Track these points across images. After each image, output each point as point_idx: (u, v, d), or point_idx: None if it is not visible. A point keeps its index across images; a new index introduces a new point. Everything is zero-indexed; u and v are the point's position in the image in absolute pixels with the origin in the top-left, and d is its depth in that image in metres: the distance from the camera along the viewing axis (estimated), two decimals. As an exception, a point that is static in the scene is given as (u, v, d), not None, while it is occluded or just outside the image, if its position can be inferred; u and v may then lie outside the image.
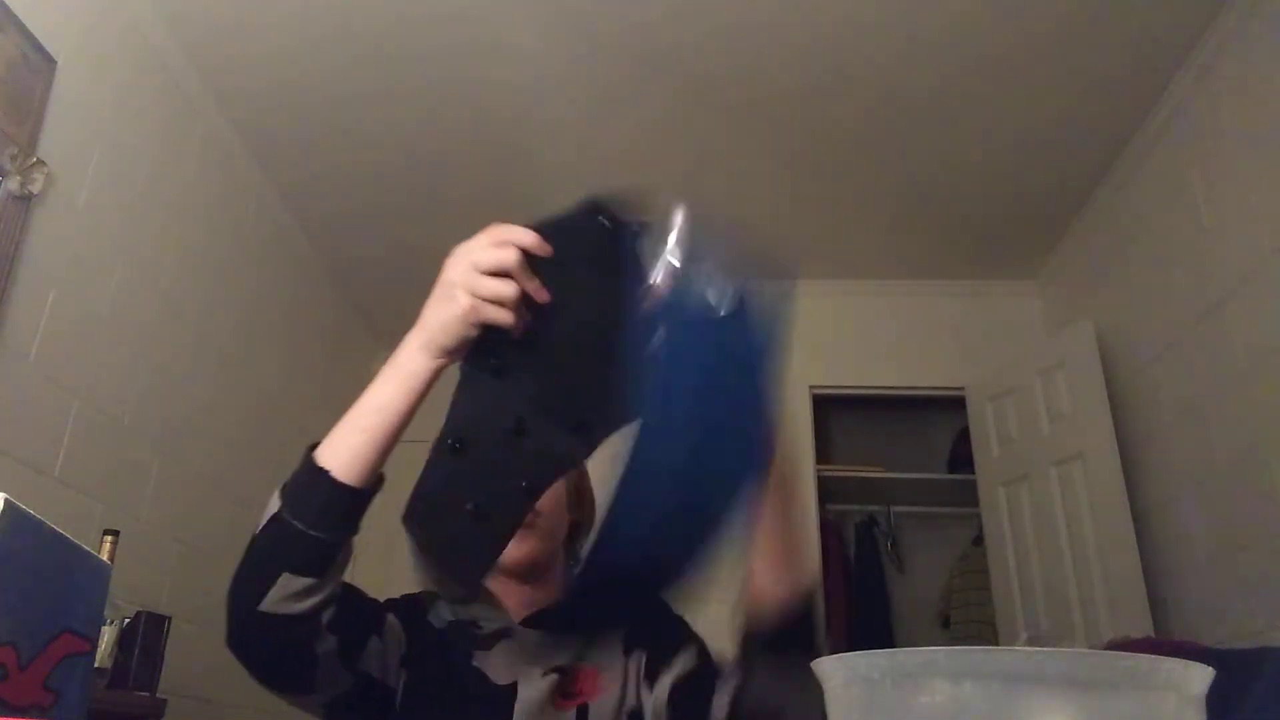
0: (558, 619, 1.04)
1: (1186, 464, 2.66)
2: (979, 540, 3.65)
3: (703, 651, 0.99)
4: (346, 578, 0.86)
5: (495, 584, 1.07)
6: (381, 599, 1.02)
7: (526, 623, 1.03)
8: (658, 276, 0.69)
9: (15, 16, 2.00)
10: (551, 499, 1.06)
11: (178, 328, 2.74)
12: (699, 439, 0.68)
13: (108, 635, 2.05)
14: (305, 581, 0.78)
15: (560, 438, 0.75)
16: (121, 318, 2.45)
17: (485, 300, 0.76)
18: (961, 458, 3.78)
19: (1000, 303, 3.81)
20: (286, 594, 0.78)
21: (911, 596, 4.07)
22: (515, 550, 1.02)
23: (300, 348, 3.70)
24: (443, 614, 1.05)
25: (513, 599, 1.05)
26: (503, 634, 1.02)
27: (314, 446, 0.82)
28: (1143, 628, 2.60)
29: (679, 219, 0.69)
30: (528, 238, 0.76)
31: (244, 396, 3.18)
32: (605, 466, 0.71)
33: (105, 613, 2.01)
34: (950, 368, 3.66)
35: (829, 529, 3.82)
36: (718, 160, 3.12)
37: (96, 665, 1.53)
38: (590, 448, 0.76)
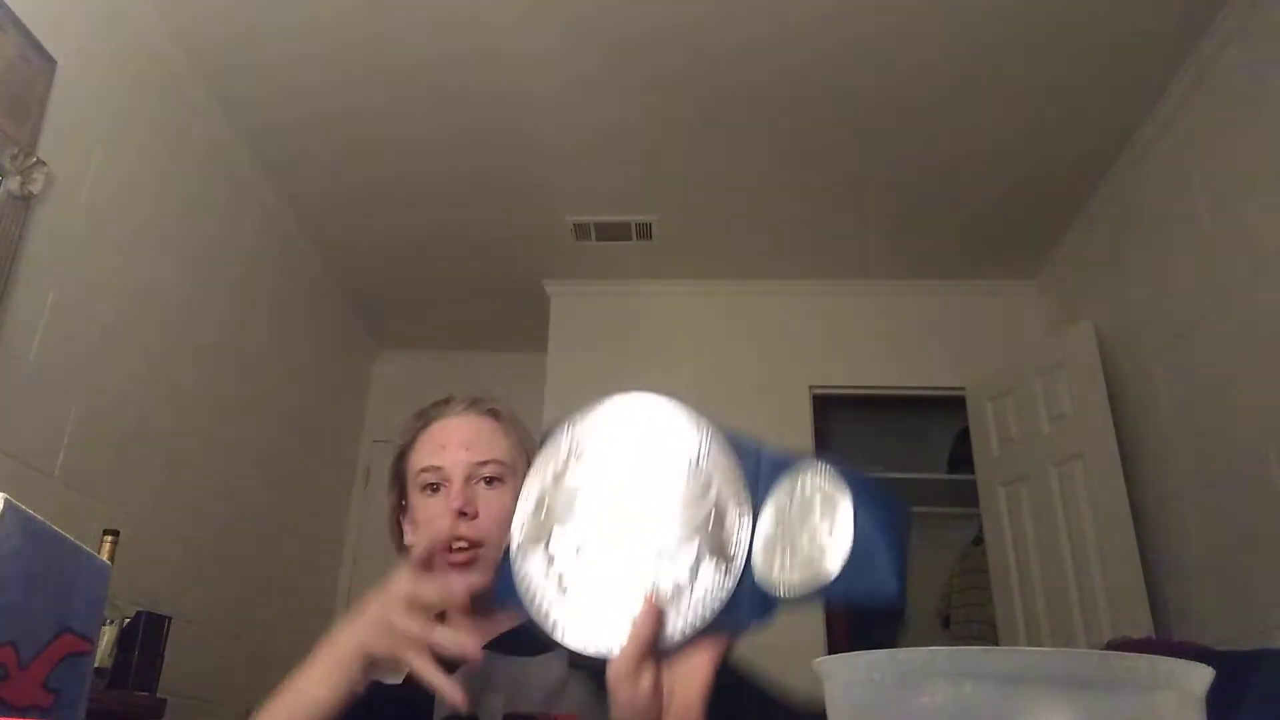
0: (519, 638, 0.98)
1: (1186, 464, 2.66)
2: (979, 540, 3.65)
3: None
4: None
5: (451, 622, 1.02)
6: None
7: (489, 646, 0.97)
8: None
9: (15, 16, 2.00)
10: (496, 526, 0.99)
11: (178, 328, 2.74)
12: None
13: (108, 635, 2.05)
14: None
15: None
16: (122, 318, 2.45)
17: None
18: (961, 458, 3.78)
19: (1000, 303, 3.81)
20: None
21: (911, 596, 4.07)
22: (464, 586, 0.97)
23: (302, 349, 3.70)
24: None
25: (472, 633, 0.99)
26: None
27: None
28: (1143, 628, 2.60)
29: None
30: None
31: (244, 397, 3.18)
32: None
33: (105, 613, 2.01)
34: (950, 368, 3.66)
35: (829, 529, 3.81)
36: (718, 161, 3.12)
37: (96, 665, 1.53)
38: None
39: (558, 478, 0.77)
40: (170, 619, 2.22)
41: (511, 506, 1.00)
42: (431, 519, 1.02)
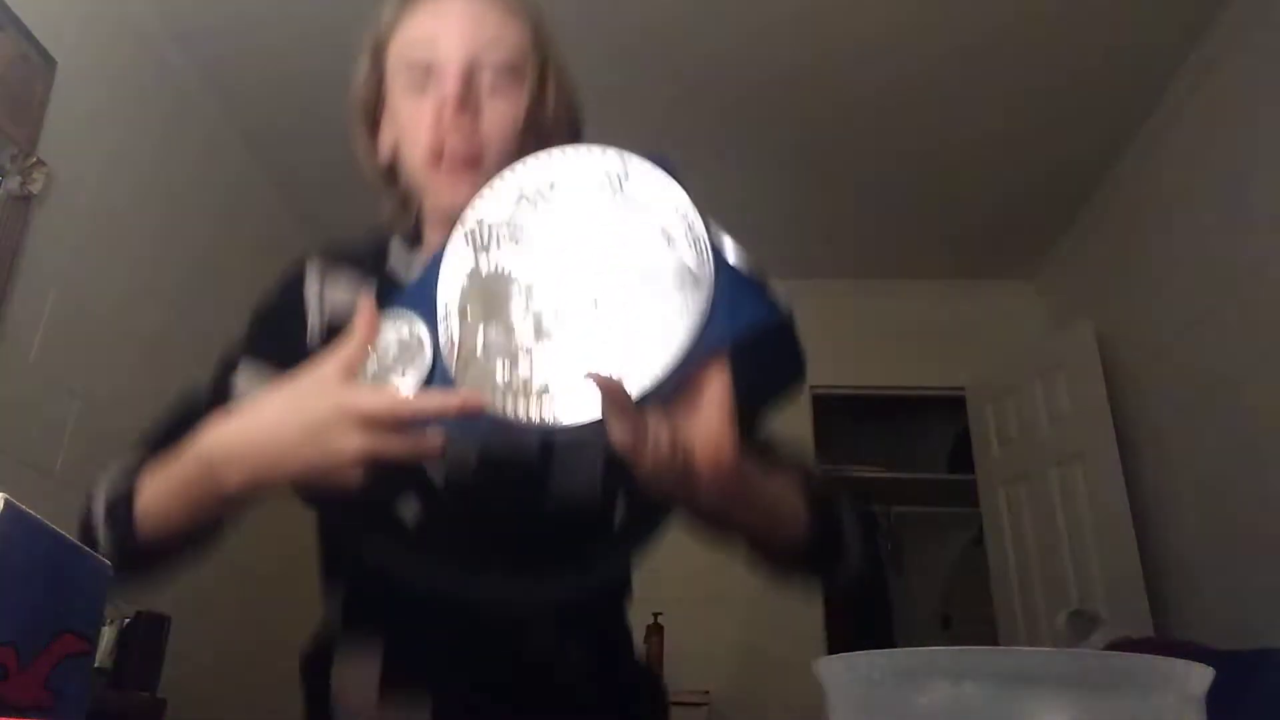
0: None
1: (1186, 464, 2.66)
2: (979, 540, 3.65)
3: None
4: None
5: (438, 179, 0.84)
6: None
7: None
8: None
9: (15, 16, 2.00)
10: (499, 138, 0.83)
11: (178, 327, 2.74)
12: None
13: (108, 635, 2.05)
14: None
15: None
16: (122, 317, 2.45)
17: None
18: (961, 458, 3.78)
19: (1000, 303, 3.81)
20: None
21: (911, 596, 4.07)
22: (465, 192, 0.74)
23: (300, 348, 3.70)
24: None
25: (461, 194, 0.75)
26: None
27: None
28: (1143, 628, 2.60)
29: None
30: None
31: (244, 396, 3.18)
32: None
33: (105, 613, 2.01)
34: (950, 368, 3.66)
35: (829, 529, 3.81)
36: (717, 160, 3.12)
37: (96, 665, 1.54)
38: None
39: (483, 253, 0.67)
40: (170, 619, 2.22)
41: (521, 116, 0.83)
42: (418, 123, 0.83)
